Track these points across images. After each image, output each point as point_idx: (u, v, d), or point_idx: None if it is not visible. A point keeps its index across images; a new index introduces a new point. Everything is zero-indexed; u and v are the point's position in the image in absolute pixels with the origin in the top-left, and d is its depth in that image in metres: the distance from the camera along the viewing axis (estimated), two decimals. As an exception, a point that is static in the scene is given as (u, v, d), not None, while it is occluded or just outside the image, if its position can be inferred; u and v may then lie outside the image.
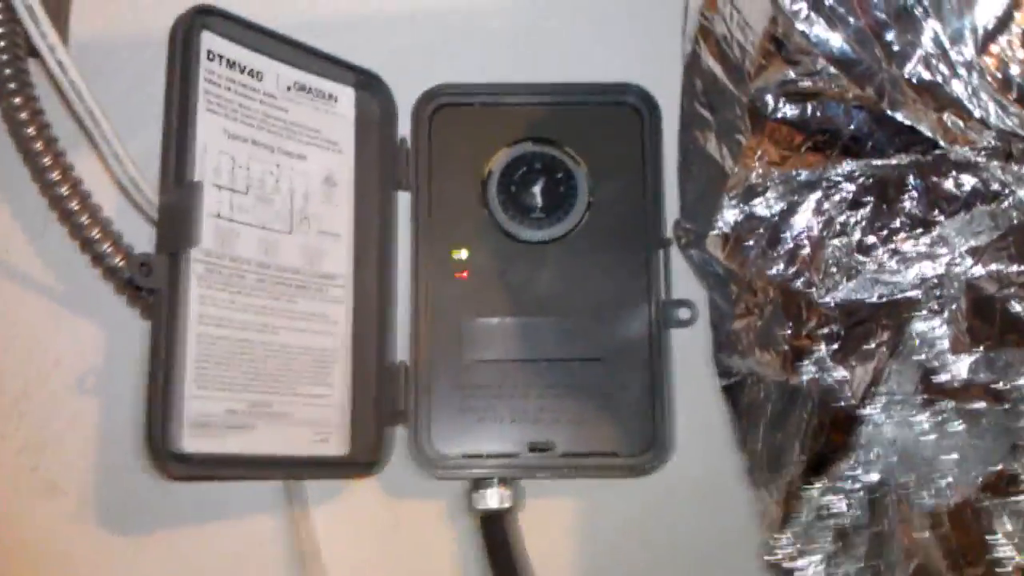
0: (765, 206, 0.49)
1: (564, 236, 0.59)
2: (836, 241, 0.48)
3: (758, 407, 0.54)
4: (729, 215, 0.51)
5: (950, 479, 0.47)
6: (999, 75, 0.39)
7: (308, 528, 0.57)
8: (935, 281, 0.47)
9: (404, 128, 0.61)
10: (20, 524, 0.57)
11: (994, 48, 0.39)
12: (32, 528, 0.57)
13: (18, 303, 0.60)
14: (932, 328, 0.47)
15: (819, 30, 0.42)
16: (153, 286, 0.50)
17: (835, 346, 0.48)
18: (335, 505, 0.58)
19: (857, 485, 0.49)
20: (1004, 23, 0.39)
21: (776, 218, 0.49)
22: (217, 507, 0.58)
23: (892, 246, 0.46)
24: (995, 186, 0.44)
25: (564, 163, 0.60)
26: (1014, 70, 0.39)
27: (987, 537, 0.45)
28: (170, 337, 0.50)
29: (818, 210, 0.48)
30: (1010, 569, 0.44)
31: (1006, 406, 0.46)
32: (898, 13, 0.40)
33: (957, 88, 0.40)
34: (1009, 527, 0.44)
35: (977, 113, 0.40)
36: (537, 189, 0.60)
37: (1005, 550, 0.44)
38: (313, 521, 0.57)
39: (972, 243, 0.46)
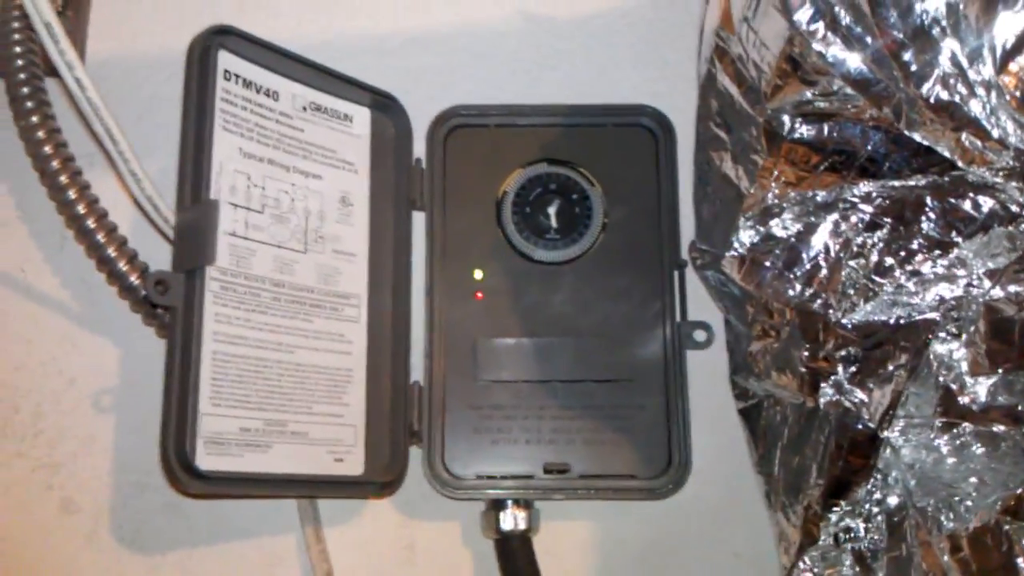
0: (782, 227, 0.49)
1: (579, 257, 0.59)
2: (853, 262, 0.47)
3: (775, 430, 0.54)
4: (745, 236, 0.50)
5: (969, 503, 0.46)
6: (1018, 94, 0.39)
7: (321, 548, 0.56)
8: (953, 303, 0.46)
9: (419, 149, 0.61)
10: (36, 542, 0.57)
11: (1013, 66, 0.39)
12: (47, 546, 0.57)
13: (34, 321, 0.60)
14: (951, 350, 0.47)
15: (836, 50, 0.42)
16: (169, 304, 0.50)
17: (853, 368, 0.48)
18: (349, 525, 0.58)
19: (876, 509, 0.49)
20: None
21: (793, 239, 0.49)
22: (231, 527, 0.57)
23: (910, 268, 0.46)
24: (1013, 207, 0.44)
25: (579, 184, 0.60)
26: (1034, 89, 0.39)
27: (1010, 561, 0.44)
28: (185, 355, 0.50)
29: (835, 231, 0.48)
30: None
31: (1025, 429, 0.46)
32: (915, 33, 0.39)
33: (975, 108, 0.40)
34: (1031, 551, 0.44)
35: (995, 133, 0.40)
36: (552, 210, 0.60)
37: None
38: (326, 541, 0.56)
39: (990, 265, 0.46)
